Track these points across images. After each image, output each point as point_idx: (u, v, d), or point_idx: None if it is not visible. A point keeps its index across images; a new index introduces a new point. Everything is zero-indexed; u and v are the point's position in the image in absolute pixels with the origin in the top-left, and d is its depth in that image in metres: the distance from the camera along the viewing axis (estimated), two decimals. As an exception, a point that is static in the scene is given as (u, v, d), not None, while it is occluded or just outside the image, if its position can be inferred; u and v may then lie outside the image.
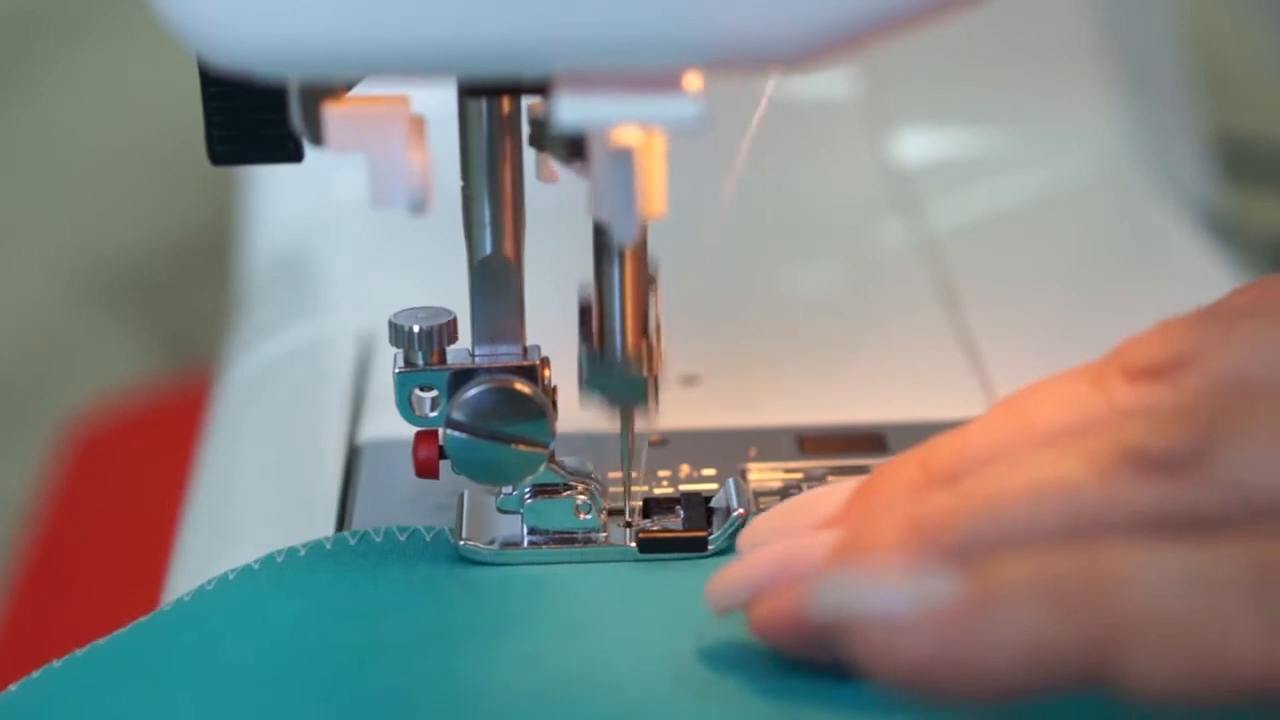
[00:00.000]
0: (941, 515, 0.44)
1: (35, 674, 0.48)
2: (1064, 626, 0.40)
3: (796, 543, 0.46)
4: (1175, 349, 0.45)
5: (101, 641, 0.49)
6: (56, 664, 0.48)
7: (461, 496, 0.52)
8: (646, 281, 0.49)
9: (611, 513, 0.52)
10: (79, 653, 0.48)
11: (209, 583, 0.50)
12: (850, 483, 0.48)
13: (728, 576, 0.46)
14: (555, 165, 0.49)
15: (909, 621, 0.41)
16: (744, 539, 0.49)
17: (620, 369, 0.49)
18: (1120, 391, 0.45)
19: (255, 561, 0.51)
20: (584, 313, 0.50)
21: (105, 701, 0.47)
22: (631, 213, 0.44)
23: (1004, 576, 0.41)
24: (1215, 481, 0.42)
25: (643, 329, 0.49)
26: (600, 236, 0.49)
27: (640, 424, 0.51)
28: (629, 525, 0.52)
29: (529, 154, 0.49)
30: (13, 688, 0.48)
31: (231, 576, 0.50)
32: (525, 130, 0.49)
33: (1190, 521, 0.42)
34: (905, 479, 0.46)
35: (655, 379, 0.49)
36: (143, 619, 0.50)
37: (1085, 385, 0.46)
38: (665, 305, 0.50)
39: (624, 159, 0.43)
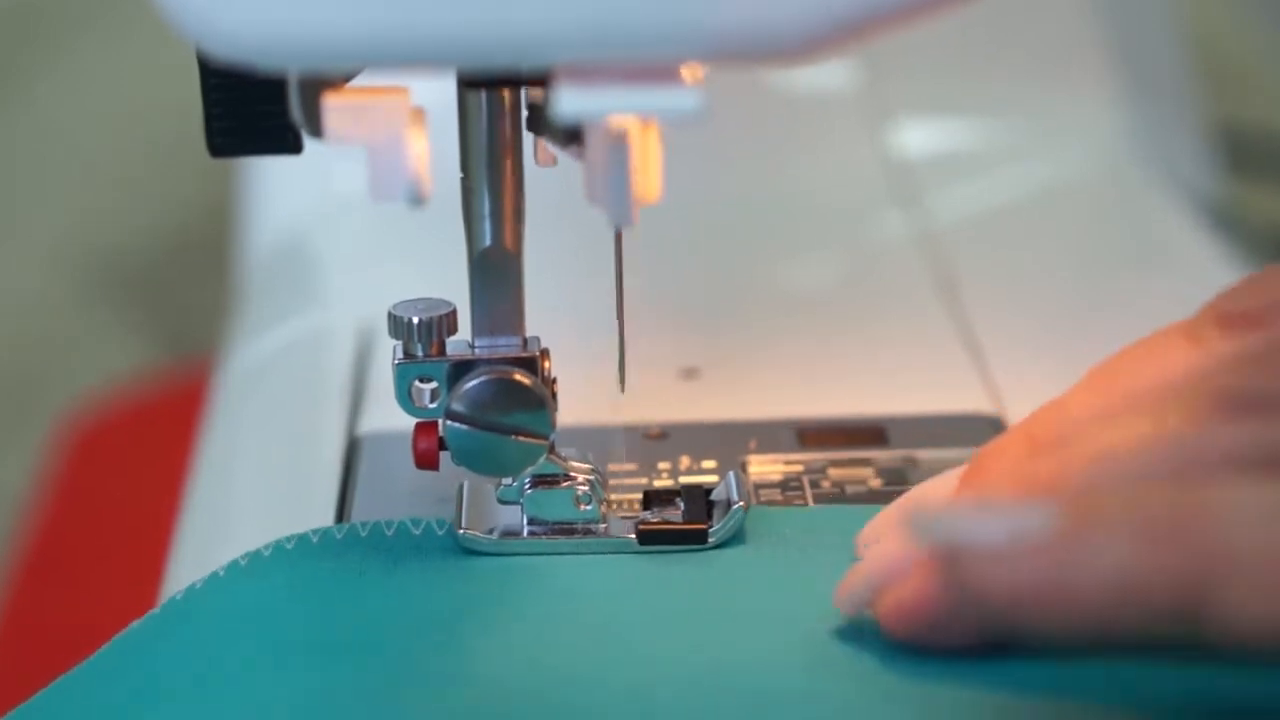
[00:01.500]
0: (1051, 473, 0.44)
1: (43, 691, 0.48)
2: (1157, 559, 0.40)
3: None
4: (1268, 296, 0.45)
5: (108, 645, 0.49)
6: (63, 678, 0.48)
7: (461, 487, 0.52)
8: None
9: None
10: (86, 662, 0.48)
11: (198, 582, 0.50)
12: (959, 469, 0.48)
13: (851, 579, 0.46)
14: (552, 149, 0.49)
15: (1009, 551, 0.42)
16: (863, 536, 0.49)
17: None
18: (1216, 342, 0.45)
19: (260, 549, 0.50)
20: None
21: (114, 706, 0.47)
22: (627, 198, 0.44)
23: (1103, 508, 0.41)
24: None
25: None
26: None
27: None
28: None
29: (528, 146, 0.49)
30: (21, 707, 0.48)
31: (222, 572, 0.50)
32: (523, 114, 0.49)
33: None
34: (1014, 452, 0.46)
35: None
36: (150, 613, 0.50)
37: (1182, 340, 0.46)
38: (665, 309, 0.50)
39: (620, 145, 0.43)
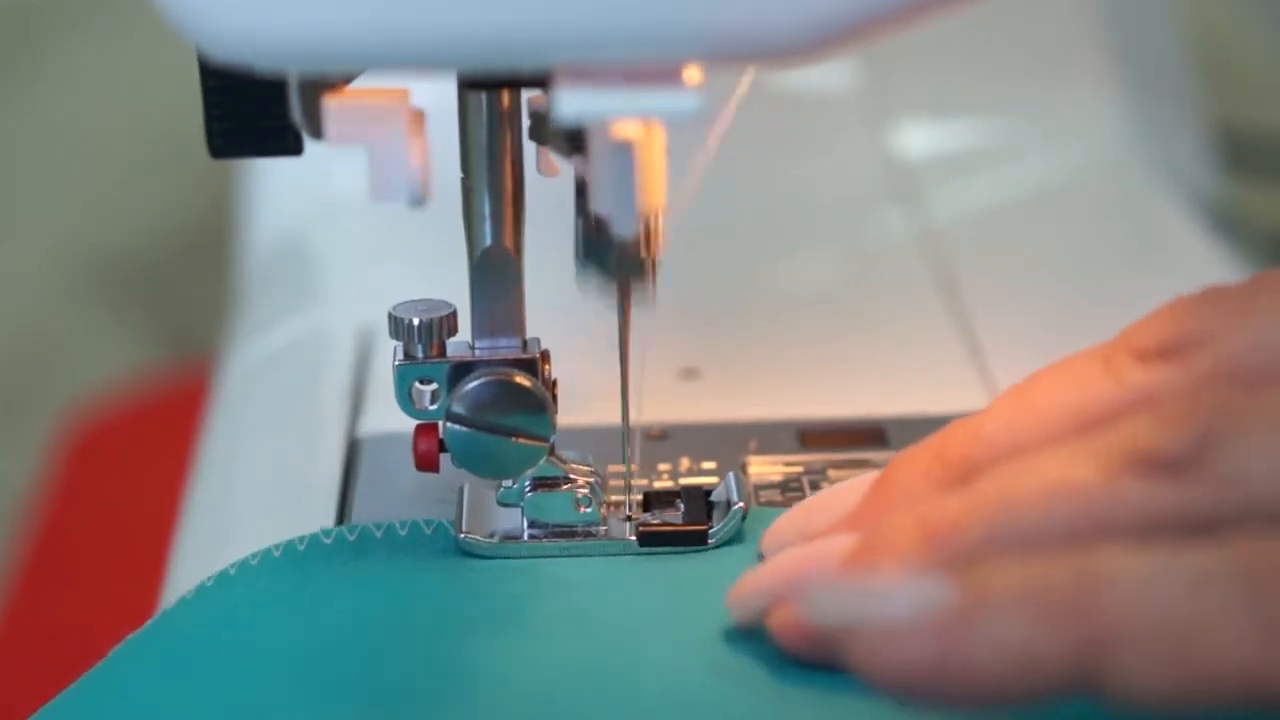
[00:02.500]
0: (952, 520, 0.43)
1: (45, 707, 0.48)
2: (1053, 633, 0.40)
3: (813, 548, 0.46)
4: (1186, 328, 0.45)
5: (109, 657, 0.49)
6: (69, 689, 0.48)
7: (462, 489, 0.52)
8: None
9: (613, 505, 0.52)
10: (89, 674, 0.48)
11: (208, 579, 0.50)
12: (868, 477, 0.48)
13: (746, 586, 0.46)
14: (555, 158, 0.49)
15: (902, 628, 0.41)
16: (767, 540, 0.49)
17: (617, 248, 0.48)
18: (1130, 372, 0.45)
19: (254, 556, 0.51)
20: (581, 188, 0.49)
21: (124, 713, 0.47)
22: (631, 206, 0.44)
23: (994, 583, 0.41)
24: (1215, 479, 0.42)
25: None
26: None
27: (638, 296, 0.50)
28: (629, 519, 0.52)
29: (529, 147, 0.49)
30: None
31: (232, 572, 0.50)
32: (525, 123, 0.49)
33: (1193, 522, 0.42)
34: (921, 469, 0.46)
35: (653, 261, 0.49)
36: (149, 623, 0.50)
37: (1096, 367, 0.46)
38: (664, 309, 0.50)
39: (624, 152, 0.43)
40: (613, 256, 0.48)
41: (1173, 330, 0.45)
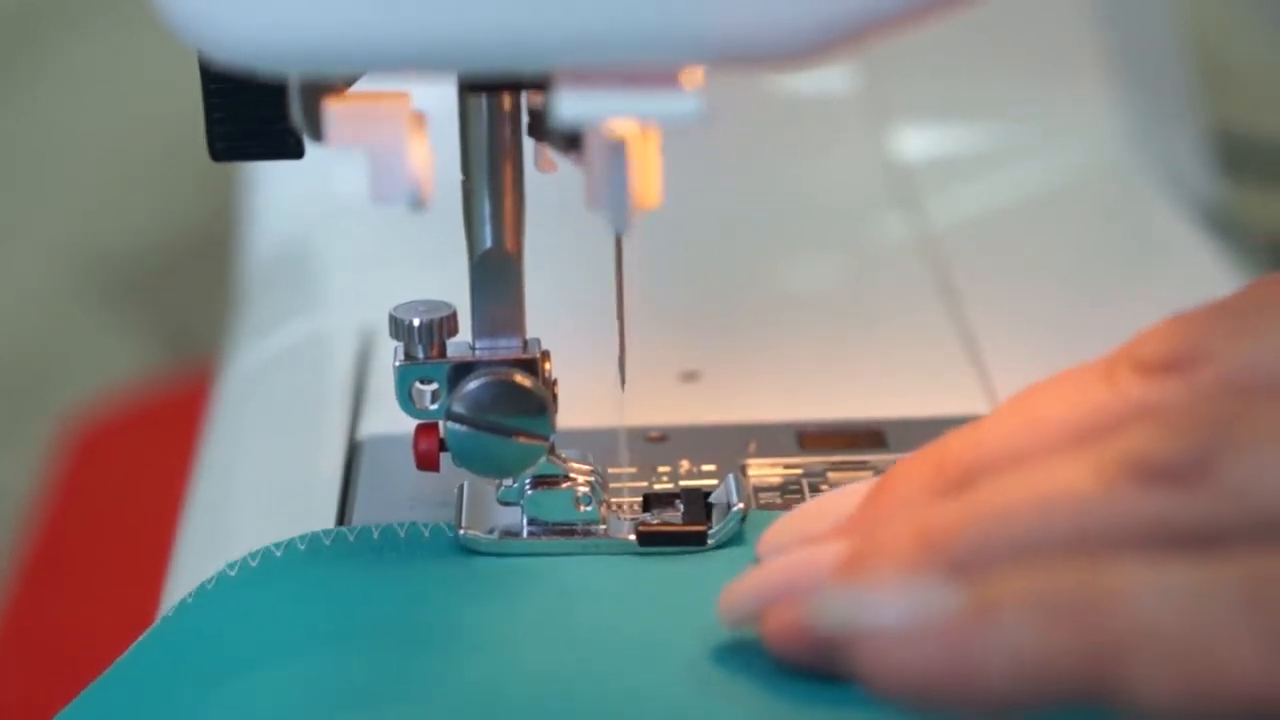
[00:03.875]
0: (949, 527, 0.43)
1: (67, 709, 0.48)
2: (1061, 641, 0.40)
3: (807, 553, 0.46)
4: (1188, 343, 0.45)
5: (113, 668, 0.49)
6: (74, 703, 0.48)
7: (461, 487, 0.52)
8: None
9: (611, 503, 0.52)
10: (93, 685, 0.48)
11: (209, 581, 0.50)
12: (867, 483, 0.48)
13: (739, 589, 0.46)
14: (553, 155, 0.49)
15: (907, 635, 0.41)
16: (763, 544, 0.49)
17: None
18: (1132, 386, 0.45)
19: (253, 556, 0.51)
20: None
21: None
22: (626, 203, 0.44)
23: (1003, 590, 0.41)
24: (1219, 491, 0.42)
25: None
26: None
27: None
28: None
29: (529, 148, 0.49)
30: None
31: (232, 572, 0.50)
32: (524, 120, 0.49)
33: (1195, 533, 0.42)
34: (919, 478, 0.46)
35: None
36: (151, 629, 0.50)
37: (1097, 380, 0.46)
38: (664, 313, 0.50)
39: (618, 150, 0.43)
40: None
41: (1174, 345, 0.45)
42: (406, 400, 0.50)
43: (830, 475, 0.55)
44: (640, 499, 0.53)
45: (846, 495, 0.48)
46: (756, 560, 0.49)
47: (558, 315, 0.53)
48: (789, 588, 0.45)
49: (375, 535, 0.51)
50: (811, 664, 0.44)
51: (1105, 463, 0.43)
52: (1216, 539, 0.41)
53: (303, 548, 0.51)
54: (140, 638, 0.50)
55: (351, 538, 0.51)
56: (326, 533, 0.51)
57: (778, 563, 0.46)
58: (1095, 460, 0.43)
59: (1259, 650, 0.39)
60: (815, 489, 0.54)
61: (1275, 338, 0.44)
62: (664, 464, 0.55)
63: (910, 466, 0.47)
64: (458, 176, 0.49)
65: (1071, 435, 0.45)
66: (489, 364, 0.50)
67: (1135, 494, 0.42)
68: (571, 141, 0.46)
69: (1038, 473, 0.44)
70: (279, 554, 0.51)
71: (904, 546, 0.44)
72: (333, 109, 0.44)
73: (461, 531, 0.51)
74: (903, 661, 0.41)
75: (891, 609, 0.42)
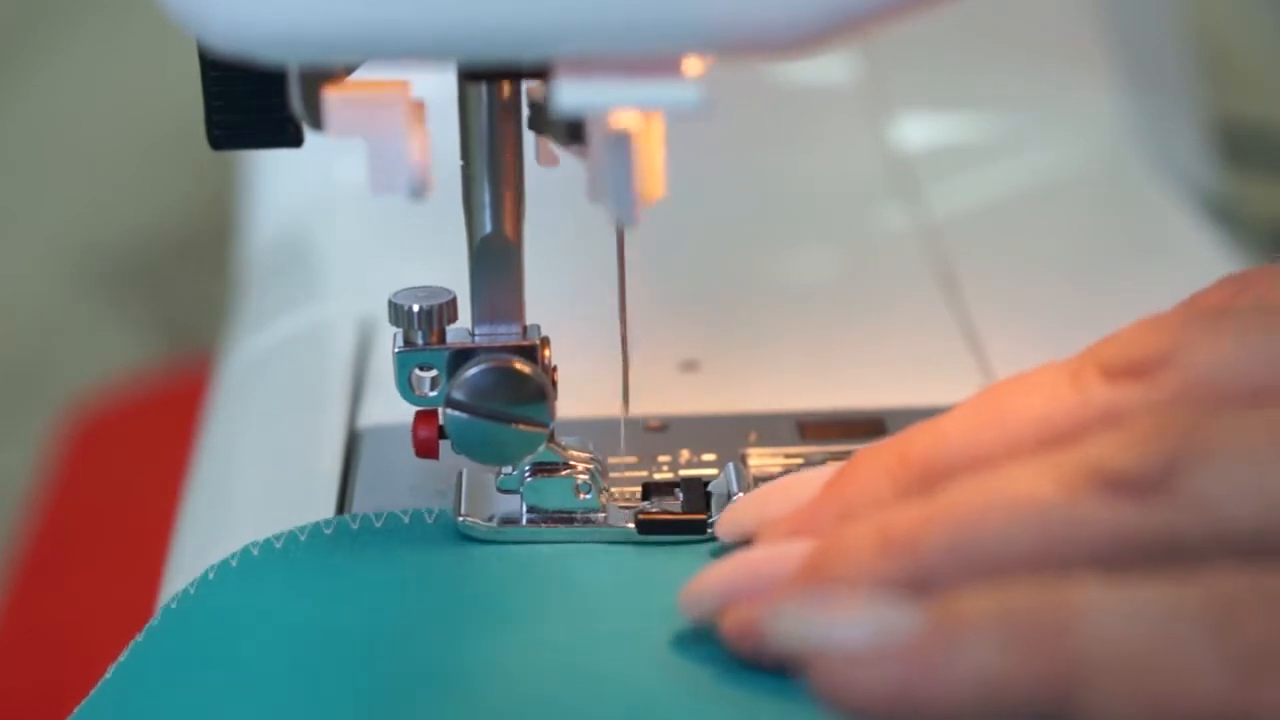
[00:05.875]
0: (911, 534, 0.43)
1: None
2: (1023, 663, 0.40)
3: (767, 551, 0.46)
4: (1153, 347, 0.45)
5: (116, 666, 0.49)
6: (84, 703, 0.48)
7: (461, 474, 0.52)
8: None
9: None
10: (104, 681, 0.48)
11: (210, 570, 0.50)
12: (830, 467, 0.48)
13: (701, 584, 0.46)
14: (554, 148, 0.49)
15: (867, 655, 0.41)
16: (723, 526, 0.49)
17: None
18: (1097, 390, 0.45)
19: (253, 545, 0.51)
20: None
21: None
22: (630, 196, 0.44)
23: (964, 610, 0.41)
24: (1181, 502, 0.42)
25: None
26: None
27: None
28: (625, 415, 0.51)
29: (528, 136, 0.49)
30: None
31: (233, 563, 0.50)
32: (525, 113, 0.49)
33: (1158, 544, 0.41)
34: (882, 467, 0.46)
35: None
36: (151, 623, 0.50)
37: (1063, 381, 0.45)
38: (665, 302, 0.50)
39: (622, 143, 0.43)
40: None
41: (1140, 349, 0.45)
42: (406, 387, 0.50)
43: (830, 464, 0.55)
44: (640, 488, 0.53)
45: (809, 477, 0.48)
46: (721, 547, 0.49)
47: (557, 302, 0.53)
48: (748, 585, 0.45)
49: (378, 523, 0.51)
50: (769, 664, 0.44)
51: (1069, 471, 0.43)
52: (1179, 552, 0.41)
53: (303, 538, 0.51)
54: (142, 631, 0.50)
55: (354, 525, 0.51)
56: (327, 523, 0.51)
57: (740, 559, 0.46)
58: (1059, 468, 0.43)
59: (1223, 671, 0.39)
60: (815, 478, 0.54)
61: (1239, 342, 0.44)
62: (664, 453, 0.55)
63: (873, 456, 0.47)
64: (457, 165, 0.49)
65: (1034, 435, 0.45)
66: (488, 350, 0.50)
67: (1098, 504, 0.42)
68: (573, 134, 0.46)
69: (1001, 479, 0.44)
70: (279, 545, 0.51)
71: (866, 552, 0.43)
72: (332, 98, 0.44)
73: (460, 519, 0.51)
74: (861, 681, 0.41)
75: (850, 628, 0.42)
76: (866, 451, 0.47)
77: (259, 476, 0.58)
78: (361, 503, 0.54)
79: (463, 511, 0.51)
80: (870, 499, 0.46)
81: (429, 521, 0.51)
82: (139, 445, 0.92)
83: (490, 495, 0.52)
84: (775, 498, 0.48)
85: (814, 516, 0.47)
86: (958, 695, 0.41)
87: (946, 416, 0.47)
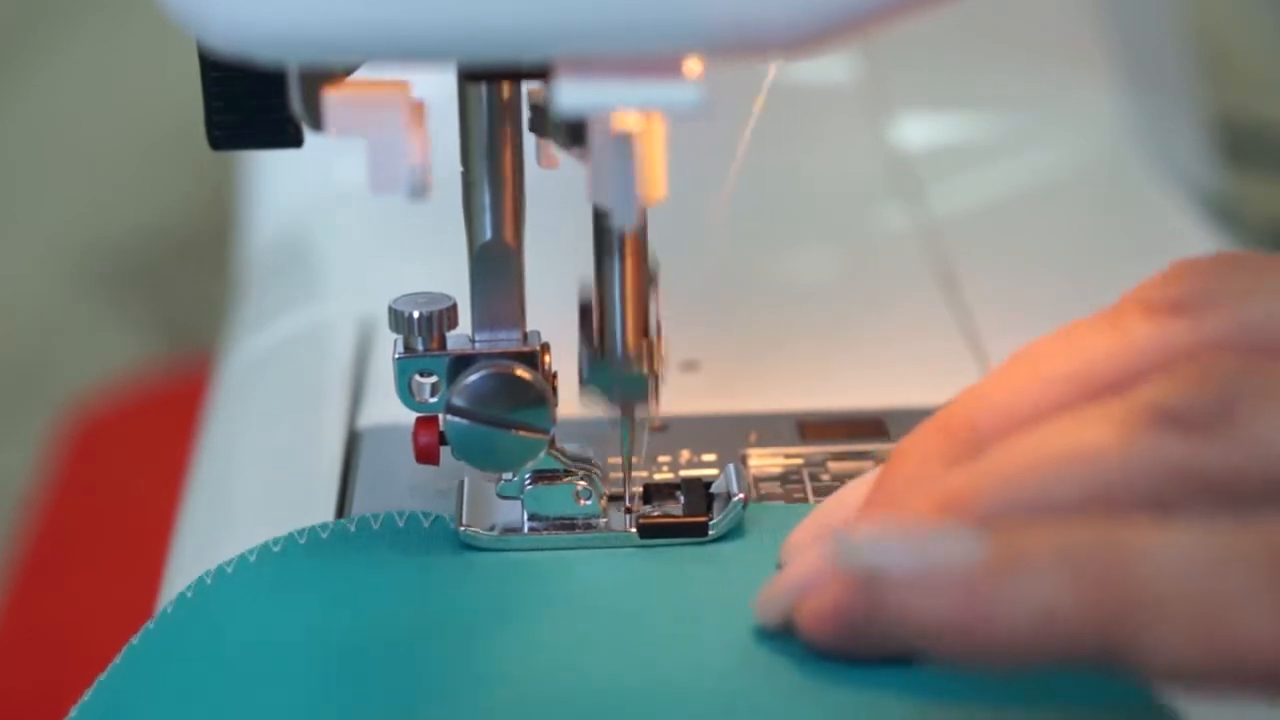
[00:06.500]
0: (968, 492, 0.43)
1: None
2: (1082, 598, 0.40)
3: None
4: (1196, 286, 0.45)
5: (112, 667, 0.49)
6: (80, 704, 0.48)
7: (462, 482, 0.52)
8: (647, 280, 0.49)
9: (612, 498, 0.52)
10: (99, 682, 0.48)
11: (206, 574, 0.50)
12: (876, 471, 0.48)
13: (772, 588, 0.46)
14: (555, 151, 0.49)
15: (931, 581, 0.42)
16: (786, 548, 0.49)
17: (620, 367, 0.49)
18: (1137, 327, 0.45)
19: (251, 552, 0.51)
20: (584, 312, 0.50)
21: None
22: (632, 198, 0.44)
23: (1026, 544, 0.41)
24: (1238, 440, 0.42)
25: (643, 328, 0.49)
26: (601, 233, 0.48)
27: (640, 416, 0.51)
28: (629, 511, 0.52)
29: (529, 139, 0.49)
30: None
31: (229, 569, 0.50)
32: (525, 115, 0.49)
33: (1215, 481, 0.41)
34: (929, 446, 0.46)
35: (656, 377, 0.49)
36: (147, 625, 0.50)
37: (1103, 327, 0.46)
38: (665, 302, 0.50)
39: (624, 144, 0.43)
40: (616, 386, 0.49)
41: (1183, 288, 0.45)
42: (406, 393, 0.50)
43: (831, 465, 0.55)
44: (640, 489, 0.53)
45: (860, 485, 0.48)
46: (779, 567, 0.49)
47: (558, 308, 0.53)
48: (820, 580, 0.45)
49: (375, 525, 0.51)
50: (844, 648, 0.44)
51: (1120, 413, 0.43)
52: (1235, 490, 0.41)
53: (302, 542, 0.51)
54: (139, 633, 0.50)
55: (351, 528, 0.51)
56: (324, 526, 0.51)
57: (805, 556, 0.46)
58: (1108, 411, 0.43)
59: (1274, 617, 0.39)
60: (816, 479, 0.54)
61: None
62: (664, 454, 0.55)
63: (918, 439, 0.47)
64: (457, 167, 0.49)
65: (1078, 386, 0.45)
66: (489, 356, 0.50)
67: (1154, 441, 0.42)
68: (574, 136, 0.46)
69: (1052, 430, 0.44)
70: (276, 549, 0.51)
71: (926, 511, 0.44)
72: (332, 98, 0.44)
73: (462, 529, 0.51)
74: (921, 607, 0.42)
75: (917, 553, 0.42)
76: (908, 438, 0.47)
77: (259, 476, 0.58)
78: (361, 503, 0.54)
79: (464, 522, 0.51)
80: (923, 481, 0.46)
81: (425, 526, 0.51)
82: (139, 445, 0.93)
83: (491, 503, 0.51)
84: (831, 512, 0.48)
85: (873, 509, 0.46)
86: (1015, 627, 0.41)
87: (985, 380, 0.47)
